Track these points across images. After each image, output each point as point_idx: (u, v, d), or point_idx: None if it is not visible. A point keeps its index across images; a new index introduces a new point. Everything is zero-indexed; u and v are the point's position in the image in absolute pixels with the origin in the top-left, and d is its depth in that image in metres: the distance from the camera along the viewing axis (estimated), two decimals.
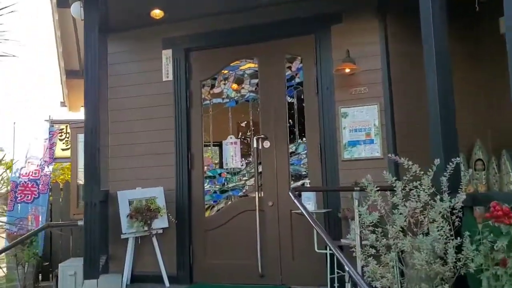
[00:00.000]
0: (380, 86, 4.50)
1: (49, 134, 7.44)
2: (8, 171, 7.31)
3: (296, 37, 4.88)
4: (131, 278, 4.88)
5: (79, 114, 7.72)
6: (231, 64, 5.15)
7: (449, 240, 2.66)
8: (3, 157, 7.21)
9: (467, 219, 2.81)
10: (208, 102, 5.21)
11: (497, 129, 4.61)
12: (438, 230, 2.70)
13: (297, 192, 3.46)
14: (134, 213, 4.63)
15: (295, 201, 3.19)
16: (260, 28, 4.91)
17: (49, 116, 7.54)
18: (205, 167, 5.18)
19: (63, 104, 8.24)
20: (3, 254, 5.97)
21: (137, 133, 5.16)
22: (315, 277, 4.43)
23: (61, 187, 6.99)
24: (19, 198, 6.64)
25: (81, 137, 5.80)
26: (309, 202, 4.37)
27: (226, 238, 4.90)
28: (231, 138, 5.09)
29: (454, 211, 2.72)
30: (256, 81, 5.05)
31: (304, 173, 4.86)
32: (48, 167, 7.20)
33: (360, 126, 4.52)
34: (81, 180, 6.15)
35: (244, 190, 5.12)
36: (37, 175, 6.84)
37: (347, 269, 2.58)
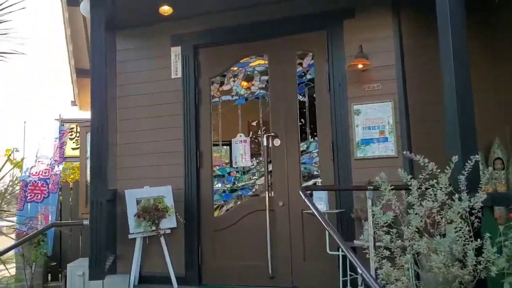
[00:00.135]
0: (394, 82, 4.37)
1: (59, 133, 7.42)
2: (18, 170, 7.33)
3: (307, 33, 4.76)
4: (139, 279, 4.81)
5: (90, 113, 7.68)
6: (240, 61, 5.05)
7: (468, 241, 2.53)
8: (8, 154, 7.22)
9: (487, 220, 2.67)
10: (217, 99, 5.11)
11: None
12: (456, 231, 2.57)
13: (307, 191, 3.33)
14: (142, 213, 4.55)
15: (305, 200, 3.07)
16: (270, 24, 4.79)
17: (59, 115, 7.51)
18: (216, 166, 5.07)
19: (73, 103, 8.22)
20: (12, 253, 5.96)
21: (145, 131, 5.09)
22: (327, 279, 4.32)
23: (71, 186, 6.96)
24: (29, 197, 6.62)
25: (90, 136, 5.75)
26: (321, 202, 4.25)
27: (236, 238, 4.80)
28: (240, 136, 4.98)
29: (473, 211, 2.59)
30: (266, 78, 4.94)
31: (315, 172, 4.73)
32: (58, 166, 7.18)
33: (374, 124, 4.38)
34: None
35: (254, 190, 5.01)
36: (47, 174, 6.82)
37: (360, 271, 2.45)
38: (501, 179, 4.38)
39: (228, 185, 5.06)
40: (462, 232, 2.52)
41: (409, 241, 2.65)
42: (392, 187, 2.80)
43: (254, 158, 5.16)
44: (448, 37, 3.09)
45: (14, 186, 6.56)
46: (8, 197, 6.64)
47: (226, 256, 4.82)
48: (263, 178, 4.88)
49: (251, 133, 5.30)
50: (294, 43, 4.82)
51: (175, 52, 5.05)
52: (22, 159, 7.49)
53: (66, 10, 6.31)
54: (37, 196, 6.66)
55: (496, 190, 4.31)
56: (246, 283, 4.62)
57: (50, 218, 6.57)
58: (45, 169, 6.87)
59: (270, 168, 4.80)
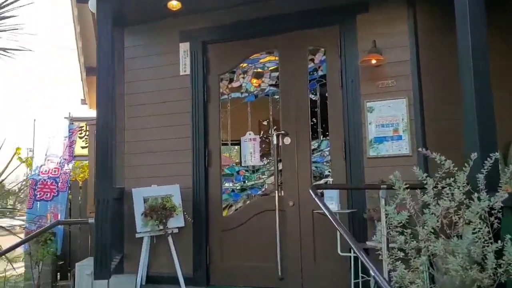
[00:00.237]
0: (408, 78, 4.24)
1: (69, 131, 7.40)
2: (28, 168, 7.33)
3: (319, 28, 4.63)
4: (146, 279, 4.72)
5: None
6: (250, 57, 4.94)
7: (487, 243, 2.39)
8: (18, 153, 7.21)
9: (508, 221, 2.53)
10: (226, 96, 5.00)
11: None
12: (475, 233, 2.43)
13: (318, 190, 3.21)
14: (149, 211, 4.46)
15: (316, 199, 2.94)
16: (281, 19, 4.68)
17: (69, 113, 7.48)
18: (226, 166, 4.98)
19: (83, 101, 8.20)
20: (21, 252, 5.94)
21: (153, 129, 5.00)
22: (338, 281, 4.21)
23: (80, 185, 6.92)
24: (38, 196, 6.60)
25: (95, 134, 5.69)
26: (332, 202, 4.12)
27: (245, 238, 4.69)
28: (249, 134, 4.86)
29: (493, 212, 2.46)
30: (276, 74, 4.82)
31: (327, 171, 4.61)
32: (67, 165, 7.16)
33: (387, 122, 4.25)
34: None
35: (263, 189, 4.90)
36: (56, 173, 6.79)
37: (372, 274, 2.32)
38: None
39: (237, 184, 4.96)
40: (482, 234, 2.39)
41: (425, 242, 2.52)
42: (407, 185, 2.68)
43: (264, 158, 5.04)
44: (467, 32, 2.99)
45: (28, 185, 6.57)
46: (21, 196, 6.67)
47: (235, 256, 4.71)
48: (272, 177, 4.76)
49: (261, 132, 5.19)
50: (306, 39, 4.69)
51: (184, 48, 4.96)
52: (32, 158, 7.49)
53: (75, 7, 6.26)
54: (47, 194, 6.64)
55: None
56: (255, 284, 4.50)
57: (59, 217, 6.54)
58: (55, 168, 6.84)
59: (280, 167, 4.69)
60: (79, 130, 7.46)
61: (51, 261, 5.82)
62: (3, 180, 4.47)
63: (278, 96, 4.80)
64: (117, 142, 4.94)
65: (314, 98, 4.69)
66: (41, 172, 6.79)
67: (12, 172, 4.41)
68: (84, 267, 5.06)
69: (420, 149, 2.87)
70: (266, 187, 4.88)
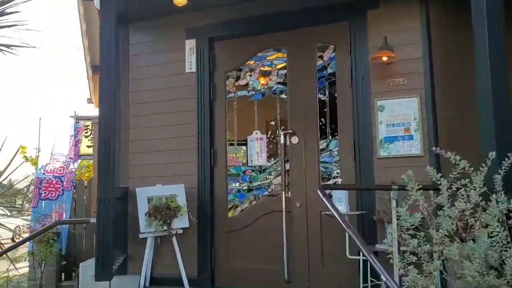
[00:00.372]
0: (420, 76, 4.10)
1: (74, 130, 7.33)
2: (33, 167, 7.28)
3: (328, 24, 4.51)
4: (150, 280, 4.63)
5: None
6: (257, 54, 4.82)
7: (505, 248, 2.26)
8: (23, 152, 7.16)
9: None
10: (232, 95, 4.89)
11: None
12: (492, 236, 2.30)
13: (326, 191, 3.08)
14: (153, 211, 4.36)
15: (324, 199, 2.82)
16: (289, 15, 4.56)
17: (75, 112, 7.41)
18: (234, 165, 4.88)
19: (89, 100, 8.14)
20: (25, 252, 5.88)
21: (158, 127, 4.90)
22: (346, 284, 4.09)
23: (85, 184, 6.86)
24: (43, 194, 6.55)
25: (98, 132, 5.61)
26: (341, 203, 3.99)
27: (250, 240, 4.58)
28: (256, 133, 4.75)
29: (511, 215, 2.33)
30: (284, 72, 4.70)
31: (335, 171, 4.48)
32: (73, 164, 7.09)
33: (398, 121, 4.11)
34: None
35: (270, 189, 4.79)
36: (61, 172, 6.74)
37: (384, 279, 2.20)
38: None
39: (244, 185, 4.85)
40: (500, 237, 2.26)
41: (439, 246, 2.39)
42: (420, 186, 2.55)
43: (271, 159, 4.92)
44: (484, 28, 2.89)
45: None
46: (30, 196, 6.62)
47: (240, 258, 4.60)
48: (279, 177, 4.65)
49: (269, 132, 5.08)
50: (314, 35, 4.57)
51: (190, 45, 4.86)
52: (37, 156, 7.44)
53: (82, 5, 6.21)
54: (52, 193, 6.59)
55: None
56: (260, 287, 4.38)
57: (64, 216, 6.49)
58: (60, 167, 6.79)
59: (287, 167, 4.57)
60: (85, 129, 7.39)
61: (56, 261, 5.74)
62: (5, 179, 4.40)
63: (285, 95, 4.68)
64: (122, 141, 4.87)
65: (322, 97, 4.58)
66: (47, 171, 6.74)
67: (14, 170, 4.33)
68: (88, 268, 4.97)
69: (434, 148, 2.74)
70: (273, 187, 4.77)
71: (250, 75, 4.87)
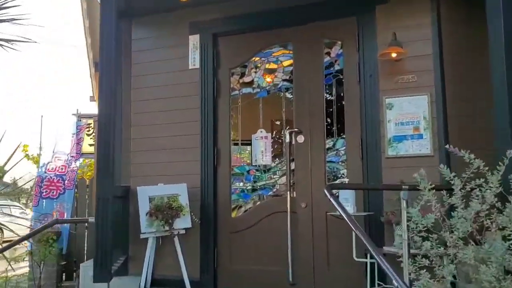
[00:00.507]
0: (430, 73, 3.97)
1: (77, 128, 7.25)
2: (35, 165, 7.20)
3: (336, 19, 4.39)
4: (151, 282, 4.51)
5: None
6: (263, 51, 4.70)
7: None
8: (25, 150, 7.08)
9: None
10: (237, 92, 4.78)
11: None
12: (509, 239, 2.17)
13: (333, 190, 2.96)
14: (154, 211, 4.25)
15: (331, 199, 2.70)
16: (295, 10, 4.44)
17: (77, 110, 7.33)
18: (237, 165, 4.77)
19: (92, 98, 8.05)
20: (23, 252, 5.80)
21: (160, 125, 4.79)
22: (353, 287, 3.96)
23: (87, 183, 6.77)
24: (44, 193, 6.47)
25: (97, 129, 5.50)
26: (348, 204, 3.85)
27: (254, 241, 4.46)
28: (261, 132, 4.63)
29: None
30: (290, 69, 4.59)
31: (342, 171, 4.36)
32: (75, 162, 7.02)
33: (407, 119, 3.99)
34: None
35: (274, 190, 4.67)
36: (63, 170, 6.66)
37: (396, 284, 2.07)
38: None
39: (247, 184, 4.73)
40: None
41: (452, 249, 2.26)
42: (432, 186, 2.43)
43: (276, 159, 4.80)
44: (500, 22, 2.78)
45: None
46: (33, 194, 6.54)
47: (244, 260, 4.48)
48: (284, 177, 4.53)
49: (274, 132, 4.96)
50: (321, 31, 4.45)
51: (193, 41, 4.75)
52: (39, 155, 7.36)
53: (84, 1, 6.11)
54: (53, 192, 6.51)
55: None
56: None
57: (65, 216, 6.41)
58: (62, 165, 6.71)
59: (292, 167, 4.45)
60: (87, 127, 7.31)
61: (56, 261, 5.65)
62: (5, 174, 4.30)
63: (291, 92, 4.56)
64: (123, 139, 4.76)
65: (329, 94, 4.45)
66: (48, 169, 6.66)
67: (14, 166, 4.23)
68: (89, 268, 4.85)
69: (447, 145, 2.61)
70: (278, 187, 4.65)
71: (255, 72, 4.75)
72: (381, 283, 3.62)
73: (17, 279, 5.49)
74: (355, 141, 4.20)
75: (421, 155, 3.92)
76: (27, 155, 7.23)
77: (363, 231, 2.62)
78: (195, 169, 4.62)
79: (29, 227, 5.19)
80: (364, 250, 3.66)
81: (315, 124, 4.37)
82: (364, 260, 3.69)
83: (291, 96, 4.56)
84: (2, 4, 3.97)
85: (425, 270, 2.26)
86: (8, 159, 4.24)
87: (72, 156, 6.99)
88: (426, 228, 2.37)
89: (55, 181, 6.54)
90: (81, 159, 7.59)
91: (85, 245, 6.24)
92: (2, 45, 4.01)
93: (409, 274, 2.37)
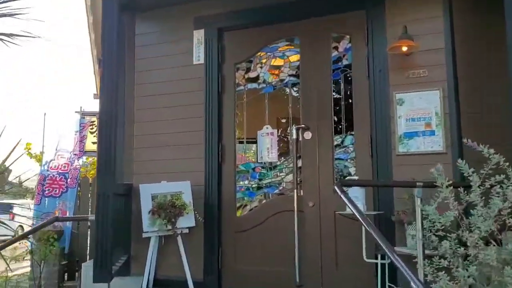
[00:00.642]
0: (442, 68, 3.83)
1: (80, 126, 7.15)
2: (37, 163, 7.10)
3: (344, 13, 4.27)
4: (153, 282, 4.40)
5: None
6: (269, 45, 4.58)
7: None
8: (28, 148, 6.99)
9: None
10: (242, 87, 4.66)
11: None
12: None
13: (344, 187, 2.84)
14: (157, 209, 4.13)
15: (342, 196, 2.58)
16: (302, 4, 4.32)
17: (80, 107, 7.23)
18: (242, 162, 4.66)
19: (96, 96, 7.95)
20: (23, 251, 5.70)
21: (163, 121, 4.68)
22: None
23: (90, 182, 6.67)
24: (46, 192, 6.36)
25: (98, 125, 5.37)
26: (357, 202, 3.69)
27: (260, 241, 4.34)
28: (267, 128, 4.51)
29: None
30: (297, 63, 4.46)
31: (351, 169, 4.22)
32: (78, 160, 6.91)
33: (419, 115, 3.86)
34: None
35: (281, 188, 4.53)
36: (66, 168, 6.55)
37: (414, 286, 1.94)
38: None
39: (253, 182, 4.60)
40: None
41: (473, 250, 2.13)
42: (450, 182, 2.30)
43: (282, 158, 4.66)
44: None
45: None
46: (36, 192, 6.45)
47: (249, 260, 4.36)
48: (291, 175, 4.40)
49: (280, 130, 4.83)
50: (329, 25, 4.33)
51: (198, 35, 4.63)
52: (42, 153, 7.26)
53: None
54: (55, 190, 6.40)
55: None
56: None
57: (68, 214, 6.30)
58: (65, 163, 6.61)
59: (299, 164, 4.32)
60: (90, 125, 7.21)
61: (57, 261, 5.54)
62: (5, 169, 4.20)
63: (298, 88, 4.43)
64: (126, 136, 4.66)
65: (338, 89, 4.32)
66: (51, 167, 6.56)
67: (12, 164, 4.13)
68: (90, 268, 4.70)
69: (464, 140, 2.47)
70: (284, 185, 4.52)
71: (261, 67, 4.63)
72: (392, 285, 3.49)
73: (17, 278, 5.39)
74: (364, 138, 4.08)
75: (433, 152, 3.78)
76: (29, 153, 7.14)
77: (376, 229, 2.49)
78: (199, 166, 4.51)
79: (30, 226, 5.09)
80: (375, 250, 3.54)
81: (322, 120, 4.25)
82: (375, 261, 3.56)
83: (298, 91, 4.43)
84: None
85: (443, 272, 2.13)
86: (9, 155, 4.15)
87: (75, 154, 6.88)
88: (443, 227, 2.24)
89: (57, 179, 6.43)
90: (84, 157, 7.47)
91: (88, 244, 6.14)
92: (3, 39, 3.92)
93: (426, 275, 2.24)
